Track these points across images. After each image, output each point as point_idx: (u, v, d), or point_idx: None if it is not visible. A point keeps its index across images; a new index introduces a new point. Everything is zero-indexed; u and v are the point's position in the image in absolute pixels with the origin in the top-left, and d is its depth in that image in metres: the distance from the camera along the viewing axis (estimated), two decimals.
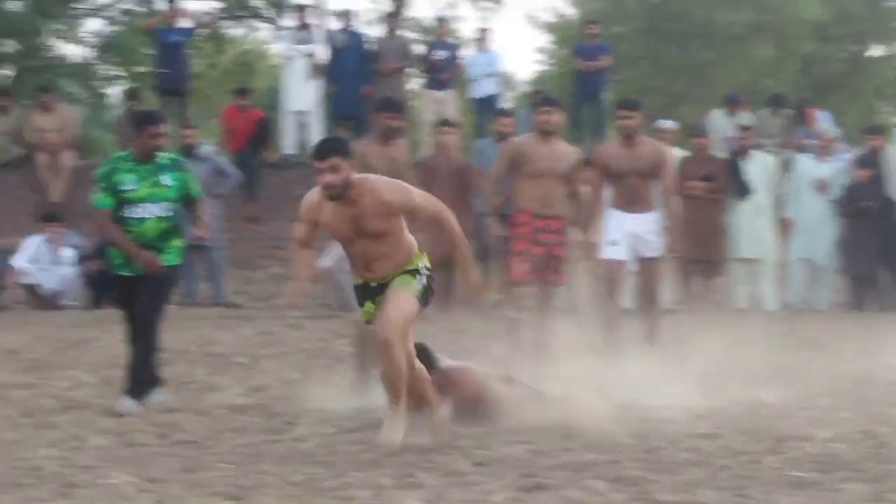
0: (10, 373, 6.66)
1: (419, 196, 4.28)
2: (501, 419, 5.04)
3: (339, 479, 3.94)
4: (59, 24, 17.38)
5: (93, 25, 18.38)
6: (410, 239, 4.26)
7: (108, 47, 18.09)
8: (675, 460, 4.39)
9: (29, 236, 10.54)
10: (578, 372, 5.49)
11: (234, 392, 6.19)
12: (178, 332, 7.98)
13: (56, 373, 6.73)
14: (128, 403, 5.41)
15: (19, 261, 9.88)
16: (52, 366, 6.98)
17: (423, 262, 4.32)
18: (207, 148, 11.14)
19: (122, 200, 5.41)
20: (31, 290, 10.03)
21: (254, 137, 12.08)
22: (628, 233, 7.25)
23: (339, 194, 4.01)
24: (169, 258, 5.66)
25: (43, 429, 5.05)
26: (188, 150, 10.19)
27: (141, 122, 5.91)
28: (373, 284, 4.22)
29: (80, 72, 18.26)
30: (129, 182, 5.44)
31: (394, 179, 4.39)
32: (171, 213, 5.71)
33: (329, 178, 3.98)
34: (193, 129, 11.06)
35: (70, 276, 10.21)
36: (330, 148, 4.13)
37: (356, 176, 4.11)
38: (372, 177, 4.28)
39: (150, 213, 5.65)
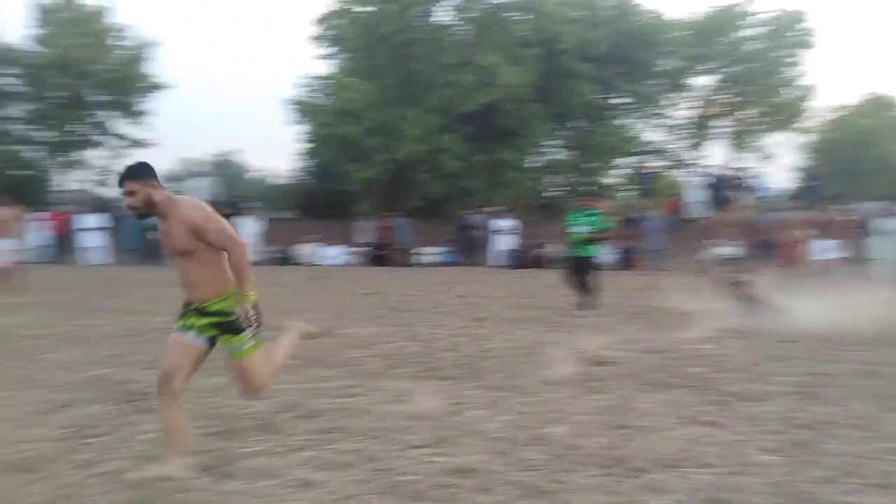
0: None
1: (216, 223, 3.58)
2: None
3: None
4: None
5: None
6: (223, 277, 3.67)
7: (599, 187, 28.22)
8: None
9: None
10: None
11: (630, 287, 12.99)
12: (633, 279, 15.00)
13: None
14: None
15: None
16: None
17: (236, 309, 3.67)
18: (656, 215, 22.07)
19: (569, 225, 9.59)
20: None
21: (675, 210, 24.12)
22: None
23: (142, 214, 3.54)
24: (589, 251, 9.64)
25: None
26: (644, 216, 21.13)
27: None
28: (191, 307, 3.72)
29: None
30: (573, 219, 9.70)
31: (197, 201, 3.64)
32: (588, 231, 9.50)
33: (127, 199, 3.56)
34: (653, 209, 23.01)
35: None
36: (124, 175, 3.57)
37: (163, 196, 3.57)
38: (179, 198, 3.64)
39: (580, 230, 9.63)
